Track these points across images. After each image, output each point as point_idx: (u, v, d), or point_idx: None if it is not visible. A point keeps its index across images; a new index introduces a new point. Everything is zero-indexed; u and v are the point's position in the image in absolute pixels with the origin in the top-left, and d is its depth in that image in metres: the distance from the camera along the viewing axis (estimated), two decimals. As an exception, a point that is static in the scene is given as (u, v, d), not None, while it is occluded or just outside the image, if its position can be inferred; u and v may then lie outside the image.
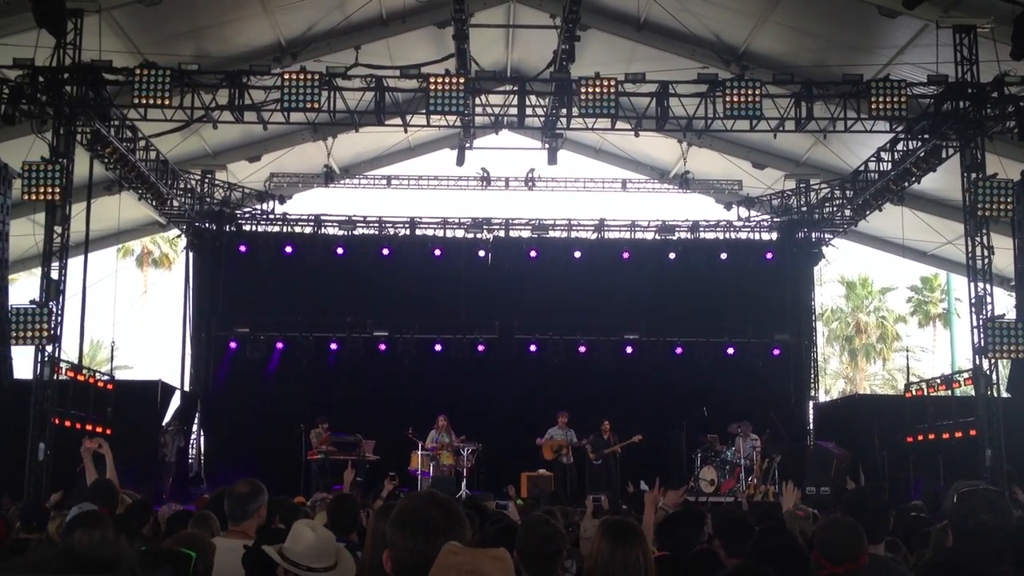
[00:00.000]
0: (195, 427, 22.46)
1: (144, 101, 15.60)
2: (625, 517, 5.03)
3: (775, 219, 23.69)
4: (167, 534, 6.24)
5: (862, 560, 4.55)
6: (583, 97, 15.93)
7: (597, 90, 15.87)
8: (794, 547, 4.38)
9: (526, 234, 23.69)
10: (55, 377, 15.71)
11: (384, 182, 24.40)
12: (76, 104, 16.04)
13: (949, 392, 19.36)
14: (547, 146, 21.82)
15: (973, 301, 16.51)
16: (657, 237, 23.57)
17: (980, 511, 3.89)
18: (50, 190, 15.35)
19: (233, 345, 22.29)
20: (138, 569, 1.67)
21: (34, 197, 15.49)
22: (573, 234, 23.75)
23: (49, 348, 15.49)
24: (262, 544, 4.54)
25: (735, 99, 15.93)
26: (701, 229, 23.70)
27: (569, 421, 19.66)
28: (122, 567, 1.60)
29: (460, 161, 22.61)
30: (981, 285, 16.41)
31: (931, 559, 3.94)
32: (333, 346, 22.12)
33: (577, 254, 23.16)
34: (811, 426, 23.14)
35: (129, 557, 1.65)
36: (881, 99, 15.82)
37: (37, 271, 17.34)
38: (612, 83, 15.92)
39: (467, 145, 22.15)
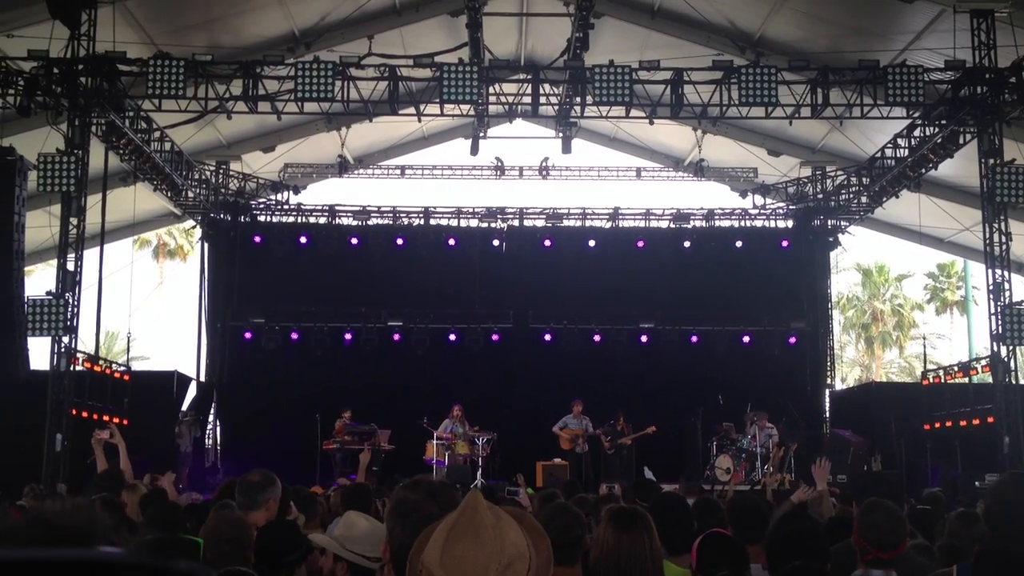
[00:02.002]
0: (211, 417, 22.56)
1: (158, 92, 15.63)
2: (632, 505, 5.01)
3: (791, 206, 23.59)
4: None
5: (903, 546, 4.52)
6: (597, 88, 15.90)
7: (611, 80, 15.84)
8: (814, 531, 4.34)
9: (540, 223, 23.64)
10: (72, 368, 15.79)
11: (398, 172, 24.38)
12: (91, 95, 16.08)
13: (966, 379, 19.25)
14: (561, 135, 21.74)
15: (991, 288, 16.42)
16: (672, 225, 23.51)
17: (1008, 492, 3.87)
18: (66, 182, 15.42)
19: (248, 335, 22.36)
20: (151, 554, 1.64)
21: (50, 189, 15.57)
22: (587, 223, 23.70)
23: (66, 339, 15.57)
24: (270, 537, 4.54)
25: (750, 86, 15.85)
26: (716, 217, 23.62)
27: (584, 409, 19.61)
28: (96, 535, 1.57)
29: (474, 150, 22.56)
30: (999, 272, 16.31)
31: (981, 548, 3.88)
32: (348, 336, 22.17)
33: (592, 243, 23.11)
34: (827, 414, 23.09)
35: (104, 525, 1.62)
36: (898, 85, 15.72)
37: (53, 262, 17.40)
38: (626, 71, 15.88)
39: (481, 134, 22.09)
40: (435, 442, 18.71)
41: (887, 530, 4.47)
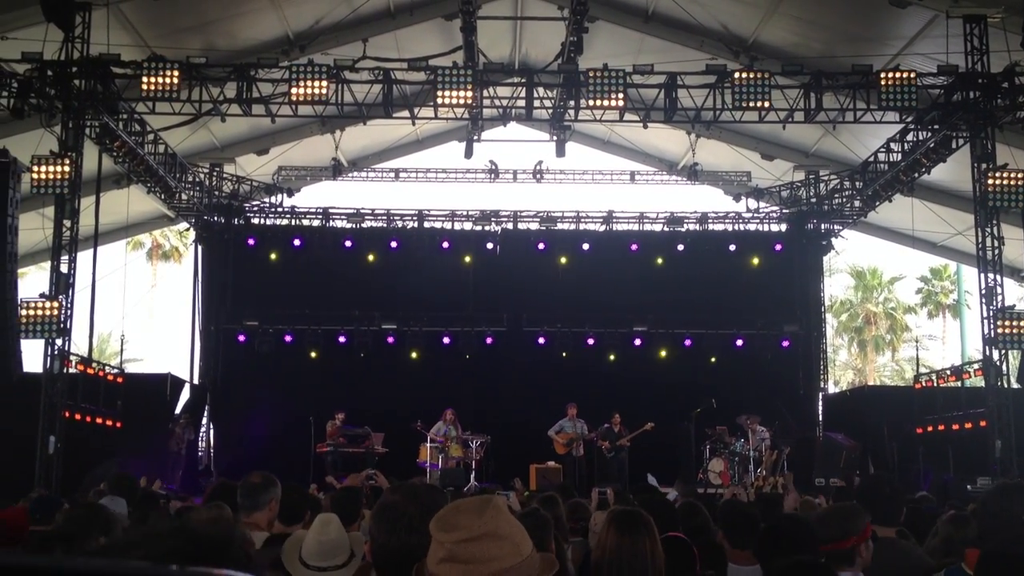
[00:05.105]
0: (204, 420, 22.53)
1: (152, 94, 15.63)
2: (634, 507, 5.04)
3: (784, 210, 23.64)
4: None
5: (847, 542, 4.55)
6: (591, 88, 15.95)
7: (605, 83, 15.90)
8: (800, 522, 4.40)
9: (534, 226, 23.64)
10: (65, 371, 15.77)
11: (392, 175, 24.38)
12: (84, 98, 16.07)
13: (959, 383, 19.31)
14: (555, 138, 21.77)
15: (983, 292, 16.47)
16: (666, 229, 23.54)
17: (992, 501, 3.94)
18: (59, 184, 15.40)
19: (242, 338, 22.31)
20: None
21: (43, 191, 15.55)
22: (581, 226, 23.71)
23: (59, 342, 15.56)
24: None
25: (744, 90, 15.90)
26: (710, 221, 23.66)
27: (579, 412, 19.62)
28: (233, 547, 1.64)
29: (468, 153, 22.58)
30: (991, 276, 16.37)
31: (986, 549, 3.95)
32: (341, 339, 22.14)
33: (585, 246, 23.09)
34: (820, 417, 23.13)
35: (242, 538, 1.70)
36: (891, 90, 15.77)
37: (47, 265, 17.39)
38: (620, 74, 15.93)
39: (475, 137, 22.12)
40: (428, 445, 18.72)
41: (834, 524, 4.51)
